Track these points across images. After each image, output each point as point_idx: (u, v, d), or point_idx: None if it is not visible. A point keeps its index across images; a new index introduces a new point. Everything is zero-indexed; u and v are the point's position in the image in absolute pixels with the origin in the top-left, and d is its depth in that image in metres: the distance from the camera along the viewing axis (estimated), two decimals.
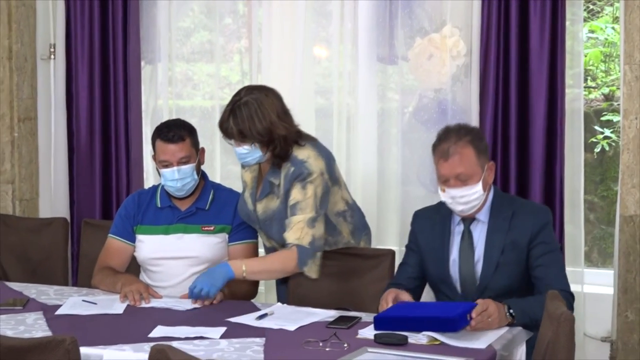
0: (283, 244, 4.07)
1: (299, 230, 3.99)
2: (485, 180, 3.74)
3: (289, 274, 4.11)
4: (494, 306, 3.41)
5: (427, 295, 4.12)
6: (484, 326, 3.38)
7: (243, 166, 4.27)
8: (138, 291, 3.96)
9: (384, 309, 3.59)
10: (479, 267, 3.76)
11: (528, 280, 3.74)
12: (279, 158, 4.04)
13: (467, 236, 3.80)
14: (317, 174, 4.01)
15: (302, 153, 4.05)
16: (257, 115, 3.95)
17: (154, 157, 4.27)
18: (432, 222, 3.89)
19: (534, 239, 3.73)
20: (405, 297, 3.66)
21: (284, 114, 4.05)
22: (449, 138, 3.74)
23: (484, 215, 3.80)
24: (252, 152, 4.02)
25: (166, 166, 4.18)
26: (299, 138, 4.09)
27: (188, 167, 4.18)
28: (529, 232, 3.73)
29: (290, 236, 4.00)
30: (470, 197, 3.72)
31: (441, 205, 3.86)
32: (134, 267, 4.38)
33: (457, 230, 3.83)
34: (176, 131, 4.17)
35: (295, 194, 4.01)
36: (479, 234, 3.80)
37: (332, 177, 4.12)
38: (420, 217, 4.00)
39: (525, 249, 3.73)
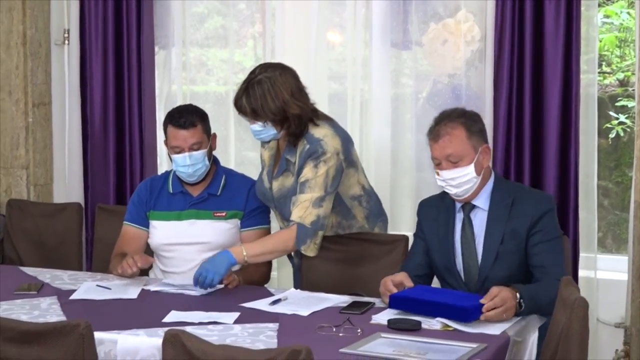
0: None
1: (304, 209, 4.00)
2: (478, 162, 3.70)
3: (290, 252, 4.15)
4: (512, 303, 3.39)
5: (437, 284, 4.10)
6: (497, 320, 3.37)
7: (263, 145, 4.28)
8: (130, 258, 3.99)
9: (388, 295, 3.58)
10: (479, 257, 3.74)
11: (527, 270, 3.69)
12: (294, 136, 4.05)
13: (467, 224, 3.76)
14: (332, 153, 4.02)
15: (319, 132, 4.06)
16: (270, 94, 3.97)
17: (166, 143, 4.27)
18: (437, 211, 3.86)
19: (533, 227, 3.68)
20: (402, 277, 3.64)
21: (299, 92, 4.06)
22: (442, 120, 3.73)
23: (483, 203, 3.75)
24: (266, 130, 4.04)
25: (178, 152, 4.18)
26: (315, 117, 4.10)
27: (199, 153, 4.19)
28: (528, 221, 3.68)
29: (294, 214, 4.02)
30: (461, 180, 3.68)
31: (446, 194, 3.83)
32: (149, 254, 4.37)
33: (459, 218, 3.80)
34: (188, 117, 4.18)
35: (307, 172, 4.02)
36: (480, 222, 3.75)
37: (348, 159, 4.11)
38: (425, 205, 3.97)
39: (524, 237, 3.69)
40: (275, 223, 4.42)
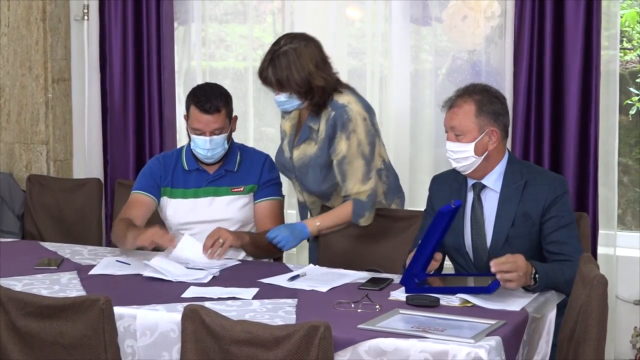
0: (319, 194, 4.19)
1: (354, 183, 4.07)
2: (481, 143, 3.64)
3: (348, 224, 4.19)
4: (523, 268, 3.36)
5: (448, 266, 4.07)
6: (501, 276, 3.35)
7: (283, 116, 4.31)
8: (156, 235, 3.93)
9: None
10: (489, 238, 3.70)
11: (539, 253, 3.65)
12: (317, 107, 4.09)
13: (477, 205, 3.72)
14: (359, 118, 4.06)
15: (343, 98, 4.10)
16: (295, 66, 4.01)
17: (186, 118, 4.25)
18: (449, 189, 3.82)
19: (547, 211, 3.63)
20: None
21: (323, 63, 4.10)
22: (460, 92, 3.72)
23: (495, 184, 3.71)
24: (290, 100, 4.08)
25: (198, 134, 4.16)
26: (339, 86, 4.14)
27: (220, 138, 4.17)
28: (541, 204, 3.63)
29: (349, 188, 4.09)
30: (460, 155, 3.66)
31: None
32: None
33: (469, 197, 3.76)
34: (213, 102, 4.14)
35: (341, 147, 4.06)
36: (491, 204, 3.71)
37: (375, 127, 4.16)
38: (437, 182, 3.93)
39: (538, 221, 3.64)
40: (290, 198, 4.42)
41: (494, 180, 3.72)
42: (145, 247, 3.99)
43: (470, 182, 3.76)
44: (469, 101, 3.66)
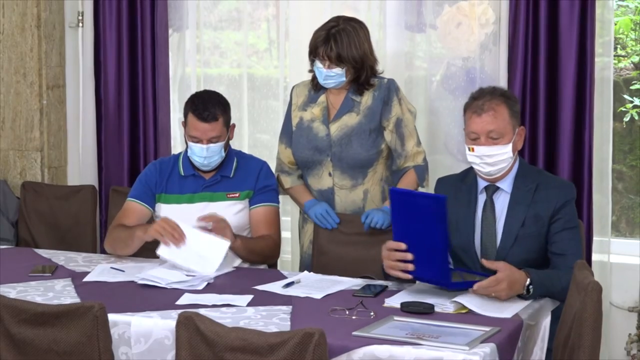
0: (361, 162, 4.32)
1: (412, 147, 4.35)
2: (514, 143, 3.69)
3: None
4: (503, 286, 3.37)
5: None
6: (486, 294, 3.39)
7: (304, 108, 4.41)
8: (167, 227, 3.99)
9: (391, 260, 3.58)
10: (498, 238, 3.72)
11: (545, 254, 3.69)
12: (361, 85, 4.34)
13: (489, 206, 3.74)
14: (403, 93, 4.42)
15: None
16: (354, 43, 4.29)
17: (184, 125, 4.25)
18: (455, 190, 3.82)
19: (556, 213, 3.66)
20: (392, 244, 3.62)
21: (371, 48, 4.40)
22: (483, 96, 3.70)
23: (507, 186, 3.73)
24: (338, 76, 4.28)
25: (195, 142, 4.17)
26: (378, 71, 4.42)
27: (217, 146, 4.17)
28: (552, 207, 3.66)
29: (410, 155, 4.34)
30: (499, 158, 3.65)
31: (466, 174, 3.82)
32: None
33: (481, 199, 3.77)
34: (211, 110, 4.15)
35: (397, 109, 4.34)
36: (501, 204, 3.73)
37: None
38: (443, 183, 3.93)
39: (547, 223, 3.67)
40: (284, 205, 4.41)
41: (507, 183, 3.76)
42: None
43: (482, 184, 3.77)
44: (500, 104, 3.68)
